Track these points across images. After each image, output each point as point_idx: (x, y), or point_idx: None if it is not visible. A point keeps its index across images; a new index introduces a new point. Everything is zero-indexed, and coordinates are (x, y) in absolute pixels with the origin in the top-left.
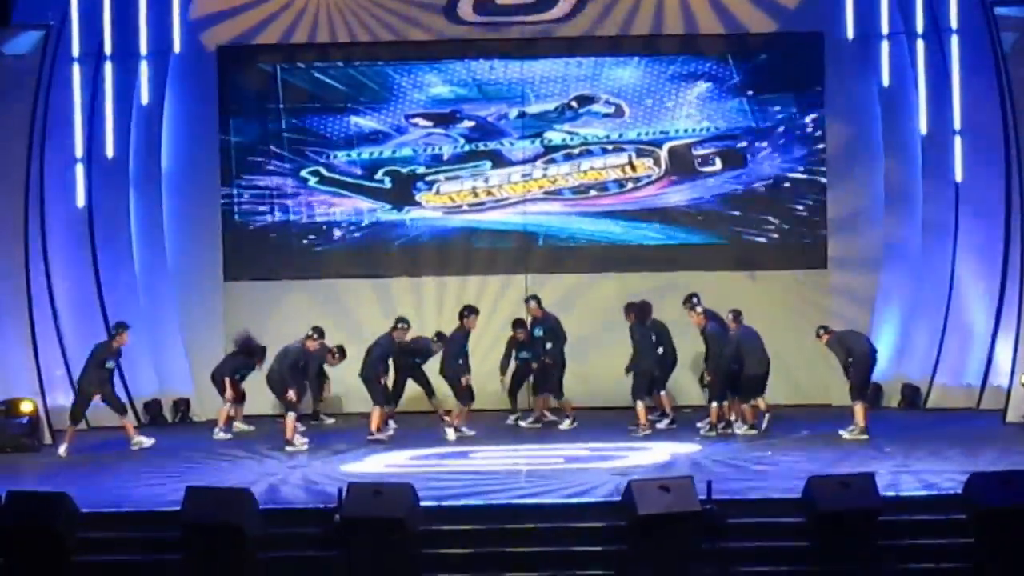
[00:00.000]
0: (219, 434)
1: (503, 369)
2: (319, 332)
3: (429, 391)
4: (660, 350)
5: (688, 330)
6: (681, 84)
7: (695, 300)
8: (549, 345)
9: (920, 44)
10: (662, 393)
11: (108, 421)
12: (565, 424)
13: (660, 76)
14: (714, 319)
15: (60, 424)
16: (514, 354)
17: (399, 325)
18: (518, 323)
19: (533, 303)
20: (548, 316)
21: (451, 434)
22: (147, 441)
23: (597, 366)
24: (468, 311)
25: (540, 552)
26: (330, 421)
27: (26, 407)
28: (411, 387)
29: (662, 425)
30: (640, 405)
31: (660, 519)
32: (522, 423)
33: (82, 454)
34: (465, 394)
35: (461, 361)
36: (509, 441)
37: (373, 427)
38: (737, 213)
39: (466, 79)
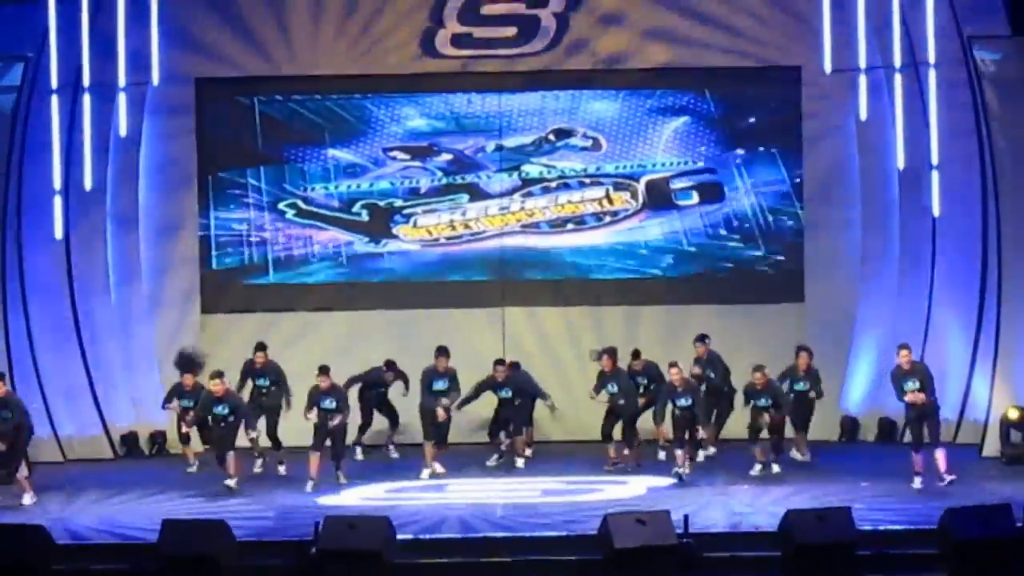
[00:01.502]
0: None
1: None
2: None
3: (394, 421)
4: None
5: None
6: (659, 118)
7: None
8: (518, 402)
9: (898, 78)
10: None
11: (84, 454)
12: (520, 462)
13: (638, 109)
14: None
15: (36, 456)
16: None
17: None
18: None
19: (502, 368)
20: (515, 375)
21: (424, 473)
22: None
23: (574, 400)
24: (437, 351)
25: None
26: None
27: None
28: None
29: (700, 458)
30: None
31: (637, 552)
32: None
33: (57, 486)
34: (430, 431)
35: (428, 394)
36: (486, 474)
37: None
38: (714, 246)
39: (443, 112)
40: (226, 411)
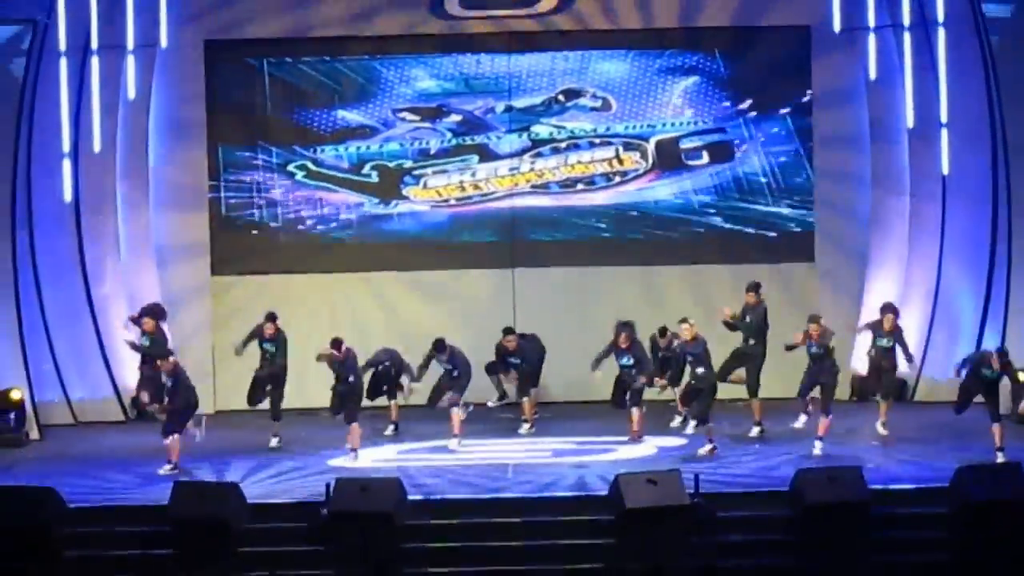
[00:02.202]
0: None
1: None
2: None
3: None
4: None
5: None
6: (668, 78)
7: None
8: (525, 366)
9: (907, 37)
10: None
11: (95, 417)
12: (524, 427)
13: (647, 70)
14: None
15: (48, 419)
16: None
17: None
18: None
19: (512, 337)
20: (524, 346)
21: (453, 442)
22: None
23: (583, 361)
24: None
25: (528, 546)
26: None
27: (15, 395)
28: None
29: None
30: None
31: (648, 513)
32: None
33: (69, 449)
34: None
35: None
36: (496, 435)
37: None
38: (724, 206)
39: (453, 73)
40: (169, 383)
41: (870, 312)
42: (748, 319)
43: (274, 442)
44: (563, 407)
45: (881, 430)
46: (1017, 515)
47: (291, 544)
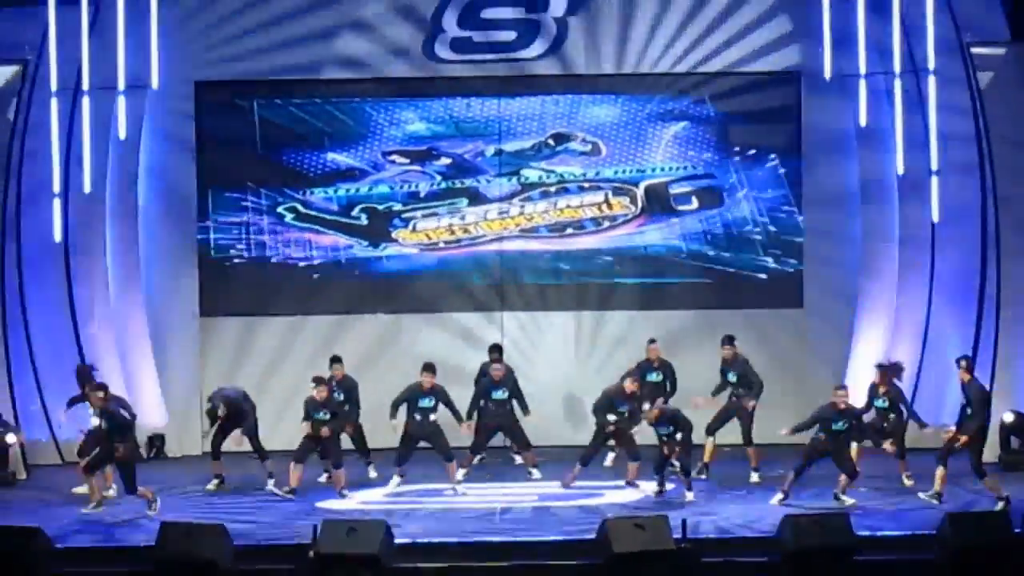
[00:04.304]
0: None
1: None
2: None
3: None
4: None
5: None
6: (658, 122)
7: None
8: (510, 406)
9: (897, 84)
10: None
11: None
12: (536, 473)
13: (637, 114)
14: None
15: (35, 459)
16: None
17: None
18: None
19: (498, 367)
20: (507, 375)
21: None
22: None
23: (572, 405)
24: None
25: None
26: None
27: (10, 439)
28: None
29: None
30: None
31: (635, 557)
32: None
33: (56, 489)
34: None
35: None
36: (484, 479)
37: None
38: (713, 252)
39: (443, 116)
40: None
41: (859, 358)
42: (730, 374)
43: (270, 484)
44: (551, 451)
45: (907, 481)
46: (1004, 560)
47: None
